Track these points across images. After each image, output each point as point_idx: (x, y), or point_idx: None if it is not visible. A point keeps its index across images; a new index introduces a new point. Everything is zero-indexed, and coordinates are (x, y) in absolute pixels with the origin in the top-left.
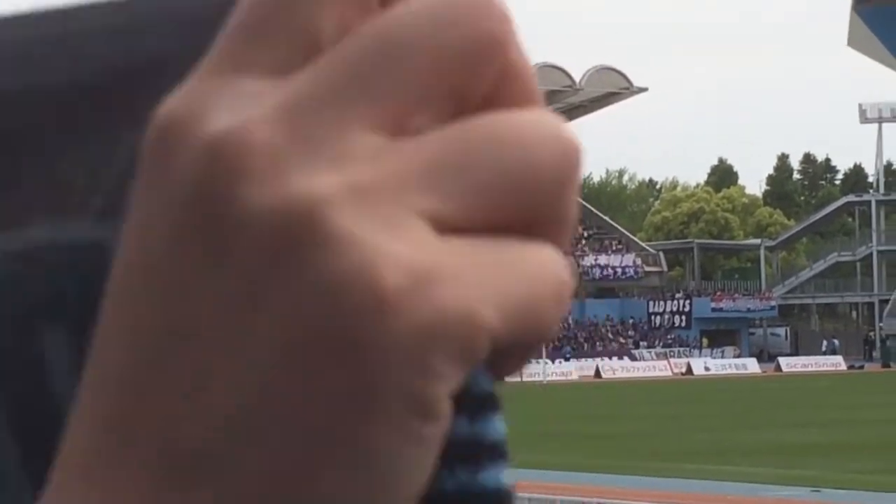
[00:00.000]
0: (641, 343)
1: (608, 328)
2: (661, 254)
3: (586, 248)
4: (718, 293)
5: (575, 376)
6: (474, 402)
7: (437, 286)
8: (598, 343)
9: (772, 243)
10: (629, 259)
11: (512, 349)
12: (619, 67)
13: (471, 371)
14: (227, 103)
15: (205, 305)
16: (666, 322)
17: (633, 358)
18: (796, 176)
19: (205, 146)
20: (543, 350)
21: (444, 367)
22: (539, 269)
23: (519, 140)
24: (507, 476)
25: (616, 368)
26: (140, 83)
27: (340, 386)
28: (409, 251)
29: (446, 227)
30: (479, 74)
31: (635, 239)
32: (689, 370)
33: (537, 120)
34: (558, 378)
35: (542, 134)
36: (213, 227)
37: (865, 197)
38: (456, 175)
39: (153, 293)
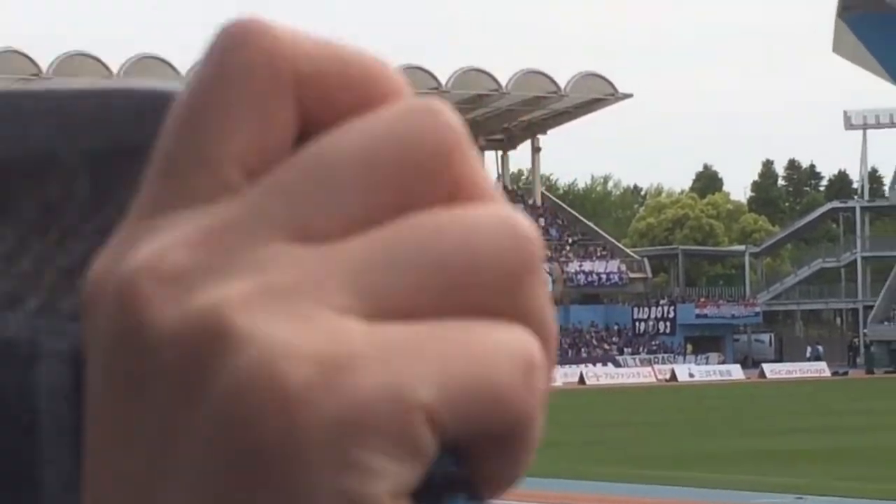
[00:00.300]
0: (626, 349)
1: (592, 334)
2: (646, 260)
3: (571, 255)
4: (703, 300)
5: (559, 382)
6: (436, 492)
7: (354, 373)
8: (582, 349)
9: (756, 250)
10: (614, 265)
11: (488, 447)
12: (603, 73)
13: (432, 460)
14: (148, 240)
15: (137, 450)
16: (650, 328)
17: (617, 364)
18: (781, 182)
19: (114, 287)
20: None
21: (376, 461)
22: (495, 347)
23: (460, 235)
24: None
25: (600, 375)
26: (16, 178)
27: (271, 502)
28: (318, 342)
29: (377, 318)
30: (419, 190)
31: (620, 245)
32: (674, 377)
33: (485, 215)
34: None
35: (488, 229)
36: (129, 366)
37: (850, 203)
38: (383, 273)
39: (99, 442)
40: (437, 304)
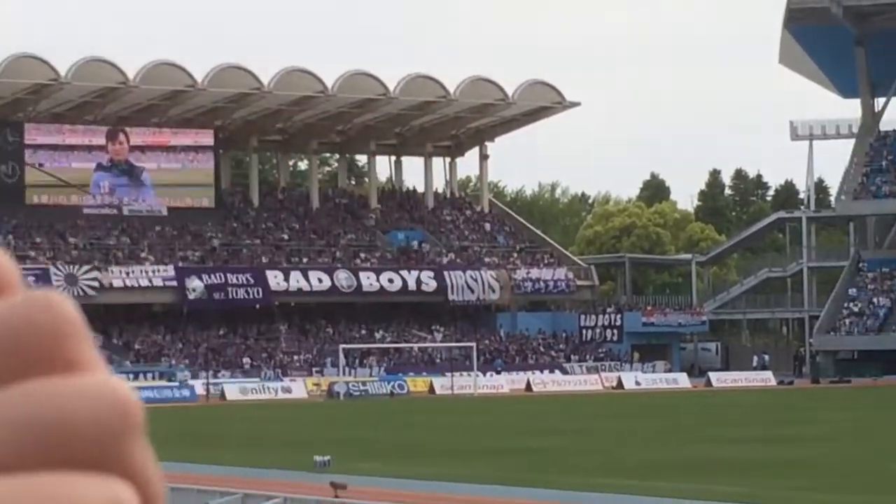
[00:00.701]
0: (572, 356)
1: (539, 341)
2: (593, 268)
3: (518, 262)
4: (650, 308)
5: (506, 389)
6: None
7: None
8: (529, 356)
9: (703, 258)
10: (561, 273)
11: None
12: (551, 81)
13: None
14: None
15: None
16: (597, 336)
17: (564, 371)
18: (728, 192)
19: None
20: (475, 362)
21: None
22: (83, 494)
23: (62, 397)
24: None
25: (547, 382)
26: None
27: None
28: None
29: None
30: (34, 369)
31: (567, 253)
32: (620, 384)
33: (90, 382)
34: (489, 391)
35: (90, 392)
36: None
37: (796, 213)
38: None
39: None
40: (36, 460)
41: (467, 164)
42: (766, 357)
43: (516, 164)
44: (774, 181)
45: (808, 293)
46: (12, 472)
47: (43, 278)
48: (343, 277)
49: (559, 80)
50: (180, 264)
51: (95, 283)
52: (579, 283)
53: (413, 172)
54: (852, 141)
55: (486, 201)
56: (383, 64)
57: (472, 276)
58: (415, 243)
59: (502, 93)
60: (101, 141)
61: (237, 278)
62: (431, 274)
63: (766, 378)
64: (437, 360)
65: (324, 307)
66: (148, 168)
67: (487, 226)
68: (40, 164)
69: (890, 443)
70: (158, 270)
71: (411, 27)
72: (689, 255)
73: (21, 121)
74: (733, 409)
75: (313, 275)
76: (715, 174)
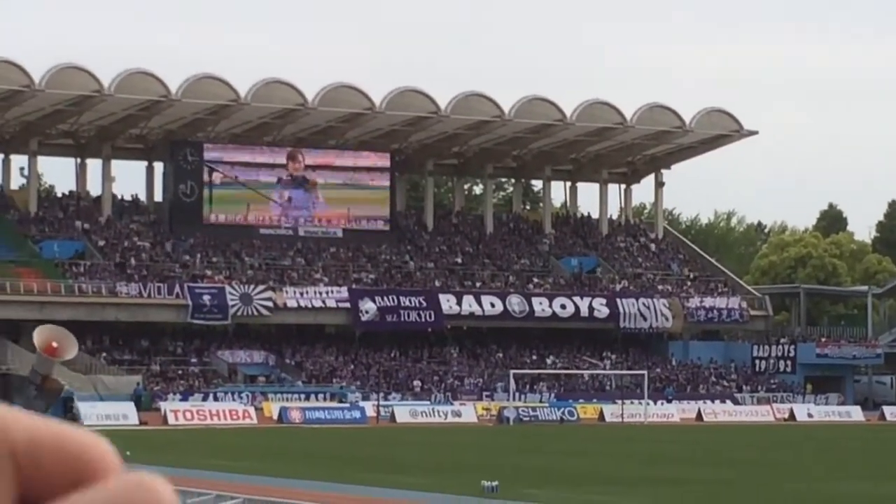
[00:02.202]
0: (744, 387)
1: (711, 371)
2: (767, 298)
3: (692, 290)
4: (824, 339)
5: (676, 418)
6: None
7: None
8: (700, 385)
9: (879, 291)
10: (735, 302)
11: None
12: (729, 109)
13: None
14: None
15: None
16: (770, 366)
17: (735, 402)
18: None
19: None
20: (646, 390)
21: None
22: None
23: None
24: None
25: (718, 412)
26: None
27: None
28: None
29: None
30: None
31: (741, 282)
32: (793, 416)
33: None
34: (660, 420)
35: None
36: None
37: None
38: None
39: None
40: None
41: (643, 191)
42: None
43: (692, 191)
44: None
45: None
46: None
47: (219, 297)
48: (515, 302)
49: (737, 109)
50: (354, 286)
51: (270, 303)
52: (753, 312)
53: (588, 198)
54: None
55: (660, 228)
56: (560, 89)
57: (644, 304)
58: (588, 269)
59: (679, 120)
60: (281, 160)
61: (410, 301)
62: (604, 301)
63: None
64: (608, 388)
65: (495, 332)
66: (324, 188)
67: (662, 254)
68: (221, 181)
69: None
70: (332, 291)
71: (589, 53)
72: (865, 287)
73: (200, 141)
74: None
75: (486, 299)
76: (893, 205)
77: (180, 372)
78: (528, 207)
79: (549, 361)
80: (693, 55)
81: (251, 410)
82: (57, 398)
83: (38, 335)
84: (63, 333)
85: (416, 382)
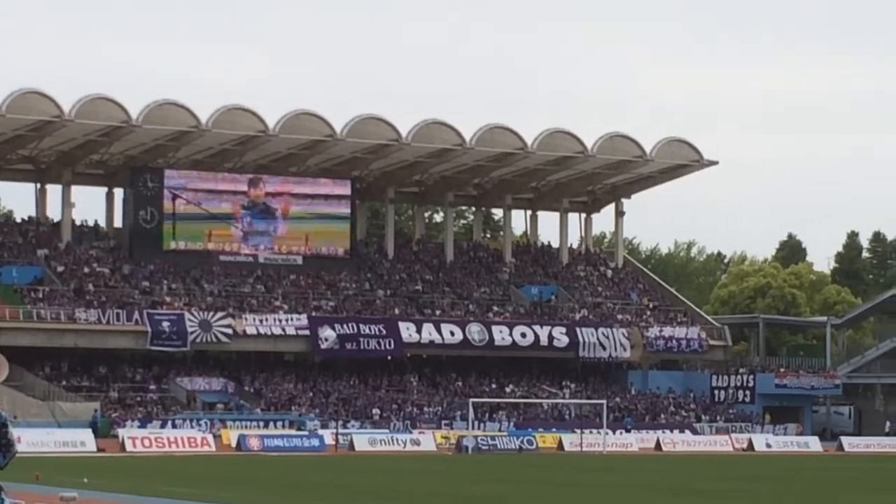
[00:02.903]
0: (703, 417)
1: (670, 400)
2: (726, 328)
3: (651, 320)
4: (783, 370)
5: (635, 448)
6: None
7: None
8: (659, 415)
9: (838, 321)
10: (694, 332)
11: None
12: (689, 139)
13: None
14: None
15: None
16: (729, 396)
17: (694, 431)
18: (865, 254)
19: None
20: (605, 419)
21: None
22: None
23: None
24: None
25: (677, 441)
26: None
27: None
28: None
29: None
30: None
31: (701, 312)
32: (751, 446)
33: None
34: (618, 449)
35: None
36: None
37: None
38: None
39: None
40: None
41: (603, 220)
42: None
43: (652, 221)
44: None
45: None
46: None
47: (178, 324)
48: (475, 331)
49: (697, 139)
50: (313, 313)
51: (229, 330)
52: (712, 342)
53: (548, 227)
54: None
55: (620, 258)
56: (522, 119)
57: (603, 333)
58: (548, 298)
59: (640, 149)
60: (242, 187)
61: (369, 329)
62: (563, 329)
63: None
64: (567, 417)
65: (455, 360)
66: (284, 216)
67: (621, 283)
68: (183, 209)
69: None
70: (292, 319)
71: (550, 83)
72: (824, 318)
73: (161, 167)
74: (865, 474)
75: (446, 327)
76: (853, 236)
77: (139, 399)
78: (488, 236)
79: (508, 390)
80: (653, 84)
81: (210, 438)
82: None
83: None
84: None
85: (376, 410)
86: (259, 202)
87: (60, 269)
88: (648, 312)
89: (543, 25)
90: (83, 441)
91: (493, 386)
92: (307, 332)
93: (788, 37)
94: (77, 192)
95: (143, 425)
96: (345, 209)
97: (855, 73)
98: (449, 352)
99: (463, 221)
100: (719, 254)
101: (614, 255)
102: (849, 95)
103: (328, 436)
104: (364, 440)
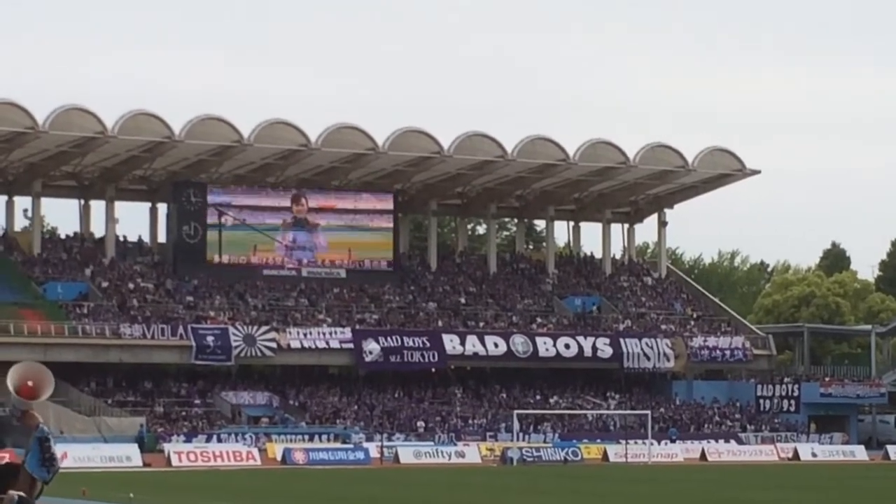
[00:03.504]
0: (748, 426)
1: (715, 410)
2: (771, 337)
3: (695, 330)
4: (828, 378)
5: (680, 458)
6: None
7: None
8: (704, 425)
9: (883, 329)
10: (738, 341)
11: None
12: (732, 149)
13: None
14: None
15: None
16: (774, 406)
17: (739, 441)
18: None
19: None
20: (649, 430)
21: None
22: None
23: None
24: None
25: (722, 451)
26: None
27: None
28: None
29: None
30: None
31: (745, 321)
32: (797, 455)
33: None
34: (663, 460)
35: None
36: None
37: None
38: None
39: None
40: None
41: (646, 231)
42: None
43: (695, 230)
44: None
45: None
46: None
47: (222, 338)
48: (519, 342)
49: (740, 148)
50: (357, 327)
51: (273, 344)
52: (756, 352)
53: (591, 238)
54: None
55: (663, 268)
56: (564, 130)
57: (647, 344)
58: (592, 309)
59: (682, 160)
60: (285, 203)
61: (413, 341)
62: (607, 340)
63: None
64: (612, 428)
65: (499, 372)
66: (327, 230)
67: (665, 293)
68: (224, 222)
69: None
70: (336, 332)
71: (592, 93)
72: (868, 326)
73: (204, 182)
74: None
75: (489, 339)
76: None
77: (184, 413)
78: (531, 247)
79: (552, 401)
80: (696, 93)
81: (255, 452)
82: (33, 433)
83: (12, 375)
84: (36, 370)
85: (420, 423)
86: (301, 216)
87: (105, 284)
88: (692, 322)
89: (581, 36)
90: (129, 456)
91: (538, 397)
92: (351, 346)
93: (832, 43)
94: (120, 207)
95: (188, 440)
96: (387, 222)
97: None
98: (493, 364)
99: (505, 233)
100: (763, 263)
101: (657, 266)
102: (893, 101)
103: (373, 449)
104: (409, 453)
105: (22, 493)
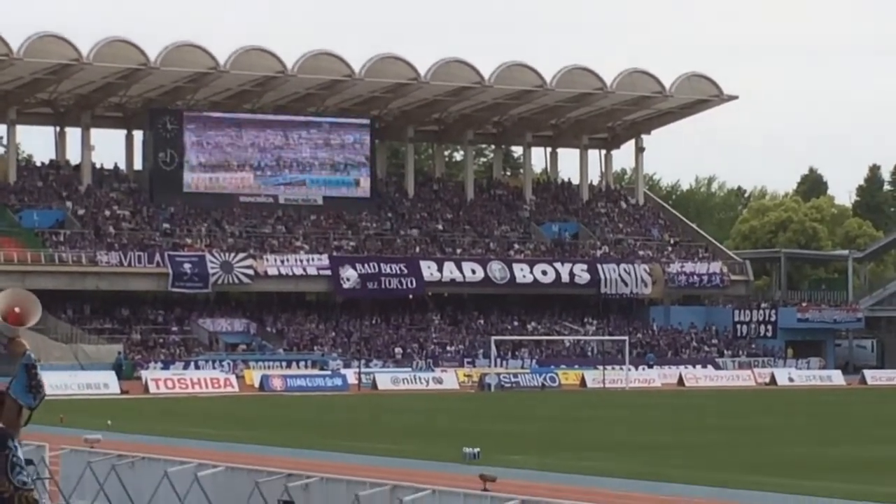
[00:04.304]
0: (726, 352)
1: (692, 336)
2: (748, 262)
3: (673, 256)
4: (805, 304)
5: (658, 383)
6: None
7: None
8: (681, 351)
9: (860, 254)
10: (715, 267)
11: None
12: (709, 74)
13: None
14: None
15: None
16: (751, 331)
17: (716, 367)
18: (887, 187)
19: None
20: (627, 356)
21: None
22: None
23: None
24: None
25: (699, 377)
26: None
27: None
28: None
29: None
30: None
31: (722, 247)
32: (773, 381)
33: None
34: (641, 385)
35: None
36: None
37: None
38: None
39: None
40: None
41: (623, 157)
42: None
43: (672, 156)
44: None
45: None
46: None
47: (199, 265)
48: (496, 269)
49: (717, 74)
50: (335, 253)
51: (250, 271)
52: (734, 277)
53: (568, 164)
54: None
55: (640, 194)
56: (540, 55)
57: (625, 270)
58: (568, 235)
59: (659, 85)
60: (262, 129)
61: (391, 268)
62: (585, 267)
63: None
64: (589, 354)
65: (477, 298)
66: (304, 156)
67: (642, 219)
68: (200, 147)
69: None
70: (313, 259)
71: (569, 18)
72: (846, 251)
73: (180, 109)
74: (888, 408)
75: (467, 266)
76: (874, 169)
77: (161, 341)
78: (508, 174)
79: (530, 328)
80: (672, 18)
81: (232, 379)
82: (19, 360)
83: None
84: (23, 297)
85: (398, 349)
86: (278, 143)
87: (81, 212)
88: (670, 248)
89: None
90: (107, 383)
91: (515, 324)
92: (328, 273)
93: None
94: (96, 135)
95: (165, 367)
96: (364, 149)
97: (880, 7)
98: (470, 290)
99: (483, 160)
100: (740, 189)
101: (635, 192)
102: (873, 30)
103: (351, 375)
104: (387, 379)
105: (0, 425)
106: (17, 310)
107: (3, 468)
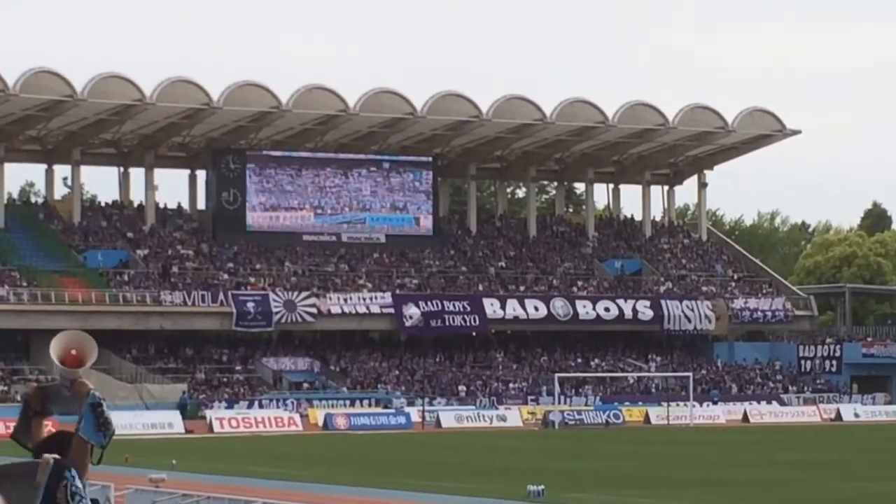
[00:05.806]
0: (790, 388)
1: (756, 371)
2: (812, 298)
3: (736, 291)
4: (870, 339)
5: (722, 420)
6: None
7: None
8: (746, 387)
9: None
10: (779, 303)
11: None
12: (771, 109)
13: None
14: None
15: None
16: (816, 367)
17: (781, 403)
18: None
19: None
20: (691, 392)
21: None
22: None
23: None
24: None
25: (764, 413)
26: None
27: None
28: None
29: None
30: None
31: (786, 282)
32: (839, 416)
33: None
34: (705, 422)
35: None
36: None
37: None
38: None
39: None
40: None
41: (685, 192)
42: None
43: (735, 192)
44: None
45: None
46: None
47: (262, 304)
48: (559, 306)
49: (779, 108)
50: (398, 291)
51: (314, 310)
52: (798, 313)
53: (631, 200)
54: None
55: (704, 230)
56: (602, 91)
57: (688, 306)
58: (632, 272)
59: (722, 121)
60: (324, 167)
61: (454, 306)
62: (648, 303)
63: None
64: (653, 390)
65: (540, 335)
66: (365, 195)
67: (706, 255)
68: (262, 186)
69: None
70: (376, 297)
71: (630, 53)
72: None
73: (243, 148)
74: None
75: (530, 303)
76: None
77: (225, 380)
78: (570, 210)
79: (593, 364)
80: (734, 53)
81: (296, 417)
82: (84, 400)
83: (55, 346)
84: (78, 338)
85: (461, 387)
86: (339, 182)
87: (145, 252)
88: (733, 284)
89: None
90: (171, 423)
91: (579, 360)
92: (391, 310)
93: (872, 1)
94: (159, 175)
95: (230, 406)
96: (427, 187)
97: None
98: (533, 327)
99: (545, 196)
100: (804, 223)
101: (698, 227)
102: None
103: (415, 413)
104: (450, 417)
105: (56, 456)
106: (73, 352)
107: (63, 498)
